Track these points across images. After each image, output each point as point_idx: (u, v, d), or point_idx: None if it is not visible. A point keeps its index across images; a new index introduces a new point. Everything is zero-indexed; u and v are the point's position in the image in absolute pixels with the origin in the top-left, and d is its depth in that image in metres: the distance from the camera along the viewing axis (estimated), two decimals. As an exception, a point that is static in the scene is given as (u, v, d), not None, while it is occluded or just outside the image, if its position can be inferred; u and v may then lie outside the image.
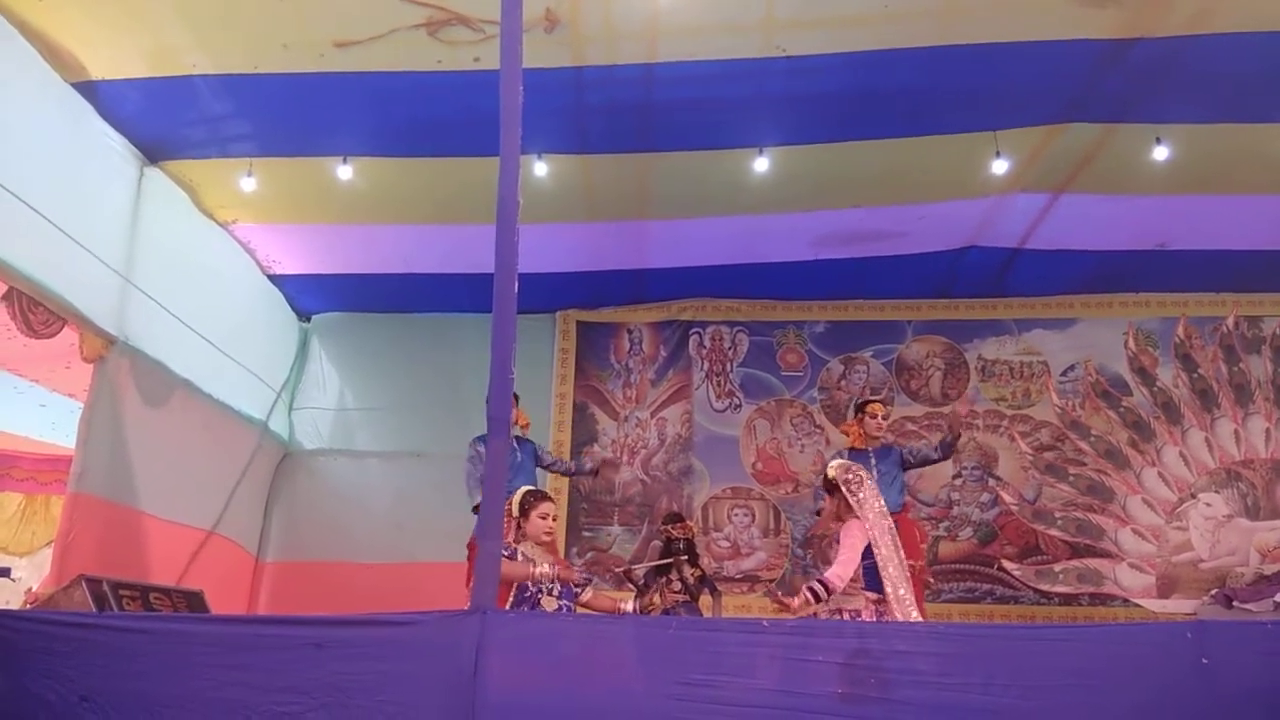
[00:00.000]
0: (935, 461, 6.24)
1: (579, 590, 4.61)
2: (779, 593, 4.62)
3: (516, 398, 6.24)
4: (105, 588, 4.41)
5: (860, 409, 6.20)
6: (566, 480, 7.95)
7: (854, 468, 4.59)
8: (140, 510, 6.05)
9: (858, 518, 4.39)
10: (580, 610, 4.62)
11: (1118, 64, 5.54)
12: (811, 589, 4.23)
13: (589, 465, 7.17)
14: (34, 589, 7.64)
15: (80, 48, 5.35)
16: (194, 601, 5.05)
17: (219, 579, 6.80)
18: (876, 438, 5.99)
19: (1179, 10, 5.15)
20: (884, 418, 6.02)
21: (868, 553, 4.32)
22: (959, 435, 6.15)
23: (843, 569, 4.25)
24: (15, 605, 7.49)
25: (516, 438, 6.09)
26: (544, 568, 4.44)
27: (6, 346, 6.07)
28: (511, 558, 4.39)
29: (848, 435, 6.25)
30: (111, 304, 5.84)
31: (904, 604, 4.25)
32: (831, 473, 4.57)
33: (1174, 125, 6.12)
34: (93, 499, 5.62)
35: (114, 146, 5.95)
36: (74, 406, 6.79)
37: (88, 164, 5.71)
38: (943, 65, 5.52)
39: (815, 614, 4.39)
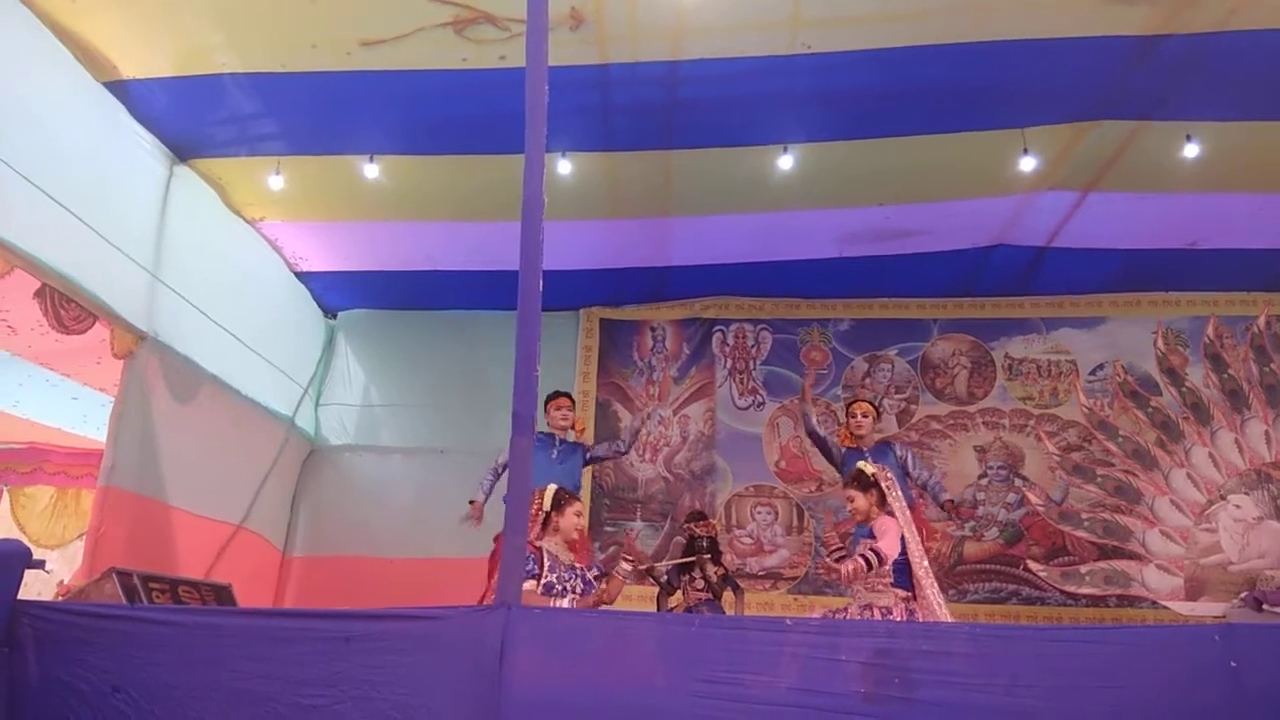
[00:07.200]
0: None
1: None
2: (829, 560, 4.64)
3: (571, 399, 6.24)
4: (135, 580, 4.47)
5: (848, 408, 6.17)
6: (589, 476, 7.97)
7: (887, 469, 4.71)
8: (169, 504, 6.12)
9: (892, 515, 4.43)
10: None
11: (1148, 61, 5.47)
12: (864, 556, 4.26)
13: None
14: (65, 581, 7.75)
15: (111, 47, 5.42)
16: (222, 595, 5.10)
17: (246, 573, 6.88)
18: (862, 436, 5.90)
19: (1210, 7, 5.08)
20: (864, 416, 5.89)
21: (900, 550, 4.35)
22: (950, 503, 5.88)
23: (889, 550, 4.29)
24: (48, 597, 7.60)
25: (565, 441, 6.10)
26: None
27: (39, 342, 6.15)
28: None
29: (838, 437, 6.19)
30: (141, 301, 5.91)
31: (940, 599, 4.30)
32: (870, 469, 4.63)
33: (1204, 123, 6.05)
34: (123, 493, 5.70)
35: (144, 145, 6.02)
36: (105, 400, 6.88)
37: (118, 162, 5.77)
38: (970, 62, 5.47)
39: (845, 611, 4.41)
